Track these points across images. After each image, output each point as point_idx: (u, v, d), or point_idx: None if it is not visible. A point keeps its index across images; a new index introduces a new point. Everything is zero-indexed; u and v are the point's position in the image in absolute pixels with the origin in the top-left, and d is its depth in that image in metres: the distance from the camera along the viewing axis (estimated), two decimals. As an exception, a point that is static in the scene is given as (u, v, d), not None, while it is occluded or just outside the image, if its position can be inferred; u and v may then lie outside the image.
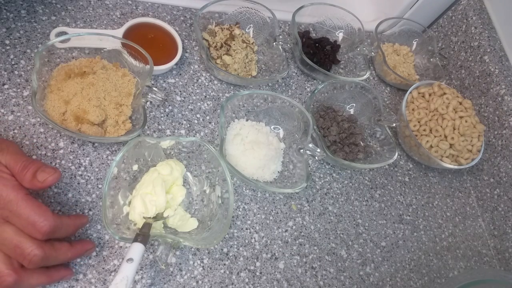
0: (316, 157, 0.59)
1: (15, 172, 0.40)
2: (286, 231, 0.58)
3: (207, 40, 0.65)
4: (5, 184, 0.38)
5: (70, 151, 0.51)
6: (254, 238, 0.56)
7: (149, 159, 0.53)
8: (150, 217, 0.47)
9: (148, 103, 0.58)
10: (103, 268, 0.46)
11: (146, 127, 0.57)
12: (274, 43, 0.68)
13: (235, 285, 0.52)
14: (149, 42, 0.60)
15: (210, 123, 0.62)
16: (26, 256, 0.37)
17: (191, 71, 0.64)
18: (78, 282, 0.45)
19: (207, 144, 0.53)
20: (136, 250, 0.42)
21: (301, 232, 0.59)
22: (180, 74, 0.63)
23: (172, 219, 0.50)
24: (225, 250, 0.53)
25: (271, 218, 0.58)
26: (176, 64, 0.63)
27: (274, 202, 0.60)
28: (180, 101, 0.61)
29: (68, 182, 0.49)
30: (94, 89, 0.51)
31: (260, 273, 0.54)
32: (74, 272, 0.45)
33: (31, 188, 0.41)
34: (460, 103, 0.72)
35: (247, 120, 0.62)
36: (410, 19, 0.85)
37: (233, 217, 0.56)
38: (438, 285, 0.66)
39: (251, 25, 0.71)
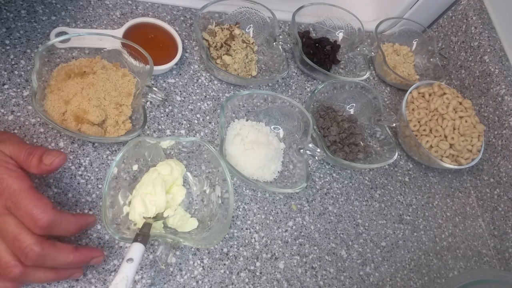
0: (316, 157, 0.59)
1: (21, 160, 0.40)
2: (286, 231, 0.58)
3: (207, 40, 0.65)
4: (11, 174, 0.38)
5: (70, 151, 0.51)
6: (254, 238, 0.56)
7: (149, 159, 0.53)
8: (150, 217, 0.47)
9: (148, 103, 0.58)
10: (103, 268, 0.46)
11: (146, 127, 0.57)
12: (274, 43, 0.68)
13: (235, 285, 0.52)
14: (149, 42, 0.60)
15: (210, 123, 0.62)
16: (24, 250, 0.36)
17: (191, 71, 0.64)
18: (78, 282, 0.45)
19: (207, 144, 0.53)
20: (136, 250, 0.42)
21: (301, 232, 0.59)
22: (180, 74, 0.63)
23: (172, 219, 0.50)
24: (225, 250, 0.53)
25: (271, 218, 0.58)
26: (176, 64, 0.63)
27: (274, 202, 0.60)
28: (180, 101, 0.61)
29: (68, 182, 0.49)
30: (94, 89, 0.51)
31: (260, 273, 0.54)
32: (83, 270, 0.44)
33: (39, 173, 0.40)
34: (460, 103, 0.72)
35: (247, 120, 0.62)
36: (410, 19, 0.85)
37: (233, 217, 0.56)
38: (438, 285, 0.66)
39: (251, 25, 0.71)
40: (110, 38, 0.54)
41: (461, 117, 0.71)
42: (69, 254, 0.39)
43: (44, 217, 0.37)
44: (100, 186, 0.51)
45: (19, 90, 0.52)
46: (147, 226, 0.45)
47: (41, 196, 0.38)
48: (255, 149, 0.58)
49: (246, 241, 0.55)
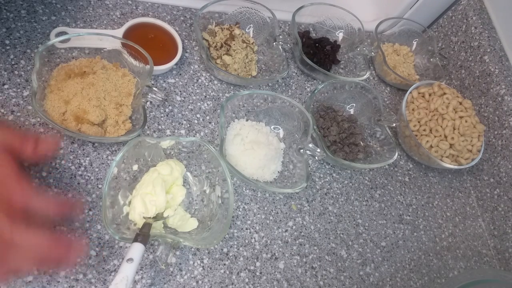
0: (316, 157, 0.59)
1: (15, 147, 0.39)
2: (286, 231, 0.58)
3: (207, 40, 0.65)
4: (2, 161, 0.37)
5: (70, 151, 0.51)
6: (254, 238, 0.56)
7: (149, 159, 0.53)
8: (150, 217, 0.47)
9: (148, 103, 0.58)
10: (103, 268, 0.46)
11: (146, 127, 0.57)
12: (274, 43, 0.68)
13: (235, 285, 0.52)
14: (149, 42, 0.60)
15: (210, 123, 0.62)
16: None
17: (191, 71, 0.64)
18: (78, 282, 0.45)
19: (207, 144, 0.53)
20: (136, 250, 0.42)
21: (301, 232, 0.59)
22: (180, 74, 0.63)
23: (172, 219, 0.50)
24: (225, 250, 0.53)
25: (271, 218, 0.58)
26: (176, 64, 0.63)
27: (274, 202, 0.60)
28: (180, 101, 0.61)
29: (68, 182, 0.49)
30: (94, 89, 0.51)
31: (260, 273, 0.54)
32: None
33: (33, 158, 0.40)
34: (460, 103, 0.72)
35: (247, 120, 0.62)
36: (410, 19, 0.85)
37: (233, 217, 0.56)
38: (438, 285, 0.66)
39: (251, 25, 0.71)
40: (110, 38, 0.54)
41: (461, 117, 0.71)
42: (43, 240, 0.35)
43: (18, 187, 0.35)
44: (100, 186, 0.51)
45: (19, 90, 0.52)
46: (147, 226, 0.45)
47: (21, 173, 0.36)
48: (255, 149, 0.58)
49: (246, 241, 0.55)
